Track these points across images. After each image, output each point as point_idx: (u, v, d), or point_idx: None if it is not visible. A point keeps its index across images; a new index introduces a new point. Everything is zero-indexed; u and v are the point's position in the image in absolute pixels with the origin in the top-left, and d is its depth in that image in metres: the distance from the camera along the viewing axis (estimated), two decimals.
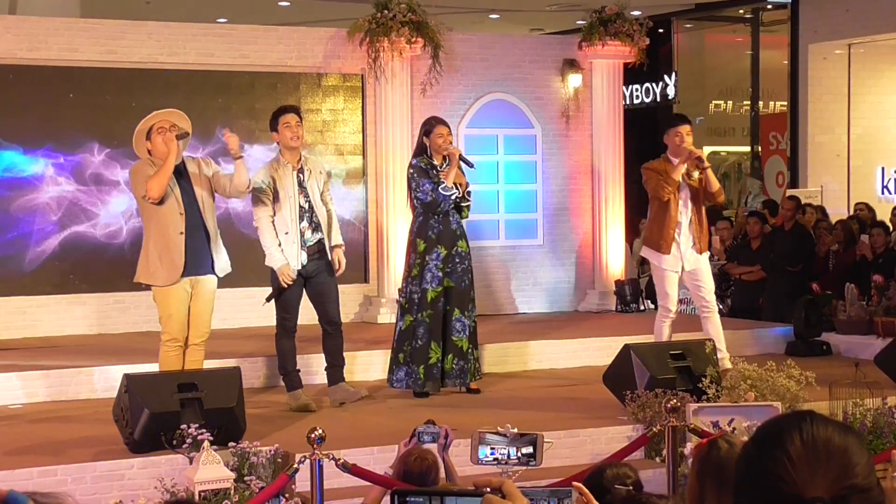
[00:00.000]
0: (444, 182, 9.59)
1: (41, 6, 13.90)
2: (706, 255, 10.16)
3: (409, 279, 9.73)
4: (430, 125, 9.83)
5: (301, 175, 9.13)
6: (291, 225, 9.04)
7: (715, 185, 10.02)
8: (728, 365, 9.46)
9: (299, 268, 9.08)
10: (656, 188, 9.96)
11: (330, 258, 9.22)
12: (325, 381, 9.52)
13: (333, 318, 9.35)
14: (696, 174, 9.98)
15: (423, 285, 9.64)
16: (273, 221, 9.07)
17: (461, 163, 9.67)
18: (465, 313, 9.74)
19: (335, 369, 9.41)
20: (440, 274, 9.64)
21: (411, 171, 9.75)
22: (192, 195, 8.49)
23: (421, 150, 9.81)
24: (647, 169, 10.13)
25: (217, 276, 8.67)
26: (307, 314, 9.60)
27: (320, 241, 9.18)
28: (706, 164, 10.04)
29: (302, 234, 9.09)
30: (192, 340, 8.57)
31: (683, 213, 9.98)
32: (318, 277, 9.20)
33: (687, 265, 10.02)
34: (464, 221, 9.93)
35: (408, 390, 9.71)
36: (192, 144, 12.74)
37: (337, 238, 9.33)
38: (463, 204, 9.76)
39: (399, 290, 10.15)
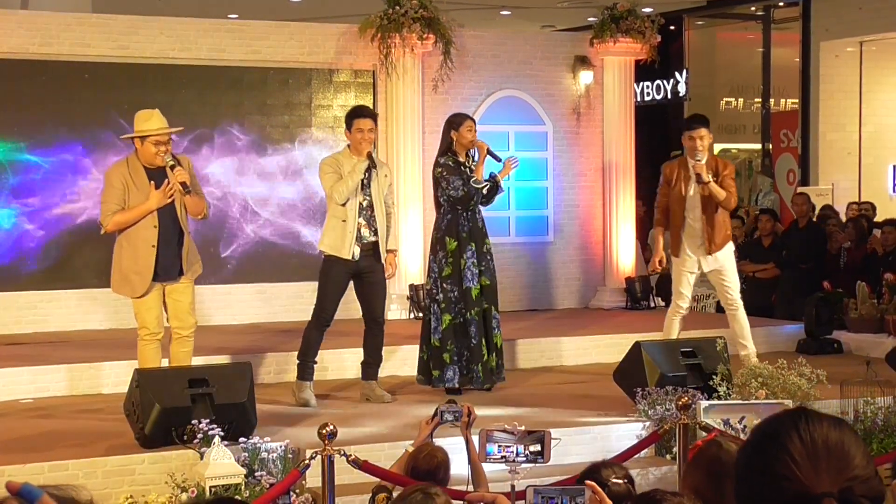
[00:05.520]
0: (474, 176, 9.55)
1: (53, 1, 13.91)
2: (729, 252, 10.08)
3: (441, 278, 9.57)
4: (459, 120, 9.74)
5: (367, 174, 9.12)
6: (350, 214, 9.08)
7: (719, 195, 9.81)
8: (754, 360, 9.47)
9: (350, 259, 9.11)
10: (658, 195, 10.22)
11: (383, 260, 9.23)
12: (335, 378, 9.51)
13: (377, 316, 9.36)
14: (709, 177, 9.89)
15: (466, 284, 9.50)
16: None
17: (490, 157, 9.64)
18: (497, 311, 9.71)
19: (370, 367, 9.46)
20: (477, 271, 9.55)
21: (440, 169, 9.62)
22: (171, 203, 8.41)
23: (447, 148, 9.69)
24: (662, 170, 10.28)
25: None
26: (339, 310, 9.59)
27: (376, 244, 9.18)
28: (705, 179, 9.77)
29: (358, 229, 9.12)
30: (180, 333, 8.59)
31: (693, 215, 9.96)
32: (370, 275, 9.23)
33: (705, 266, 10.01)
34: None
35: (437, 388, 9.60)
36: (204, 136, 12.79)
37: (393, 242, 9.38)
38: (497, 195, 9.73)
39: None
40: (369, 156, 9.10)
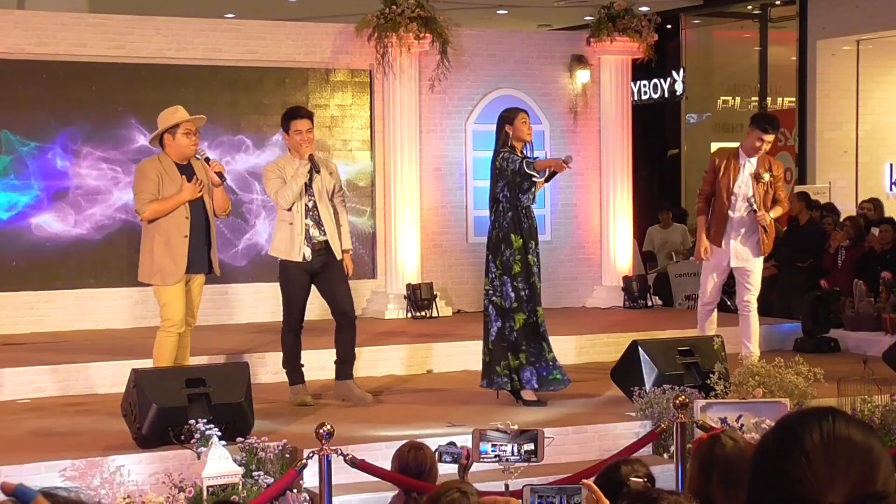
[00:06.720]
0: (533, 163, 9.08)
1: (49, 1, 13.91)
2: (759, 258, 10.02)
3: (512, 276, 9.12)
4: (513, 114, 9.31)
5: (309, 175, 9.07)
6: (297, 217, 9.05)
7: (782, 212, 10.17)
8: (753, 360, 9.43)
9: (301, 261, 9.07)
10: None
11: (338, 257, 9.17)
12: (331, 377, 9.44)
13: (346, 311, 9.24)
14: (766, 176, 9.84)
15: (538, 281, 9.19)
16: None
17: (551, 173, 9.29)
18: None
19: (344, 365, 9.28)
20: (536, 269, 9.22)
21: (502, 154, 9.11)
22: (200, 198, 8.67)
23: (504, 143, 9.24)
24: (711, 158, 10.35)
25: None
26: (315, 309, 9.58)
27: (327, 242, 9.11)
28: (766, 221, 9.85)
29: (307, 230, 9.07)
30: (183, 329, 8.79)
31: (738, 210, 9.88)
32: (325, 273, 9.16)
33: (734, 261, 9.95)
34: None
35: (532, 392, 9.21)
36: (201, 135, 12.76)
37: (346, 242, 9.30)
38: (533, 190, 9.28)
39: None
40: (311, 158, 9.04)
